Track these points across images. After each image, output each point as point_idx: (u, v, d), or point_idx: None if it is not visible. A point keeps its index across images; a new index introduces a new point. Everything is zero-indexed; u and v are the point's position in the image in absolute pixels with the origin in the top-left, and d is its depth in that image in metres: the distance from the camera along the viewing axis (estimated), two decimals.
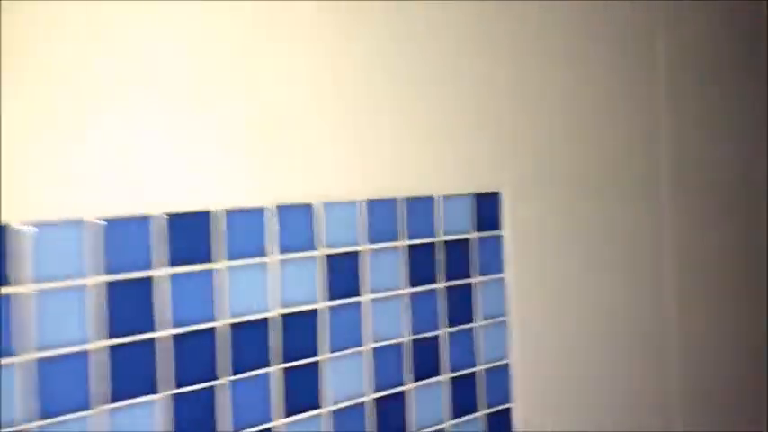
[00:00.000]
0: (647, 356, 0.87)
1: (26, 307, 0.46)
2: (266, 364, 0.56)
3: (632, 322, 0.86)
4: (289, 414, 0.57)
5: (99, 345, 0.49)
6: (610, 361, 0.84)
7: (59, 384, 0.47)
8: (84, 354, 0.48)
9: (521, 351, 0.74)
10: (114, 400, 0.49)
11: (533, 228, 0.76)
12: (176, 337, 0.52)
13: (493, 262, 0.72)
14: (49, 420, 0.46)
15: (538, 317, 0.76)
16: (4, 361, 0.45)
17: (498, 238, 0.73)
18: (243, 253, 0.55)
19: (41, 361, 0.46)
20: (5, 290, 0.45)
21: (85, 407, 0.48)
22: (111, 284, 0.49)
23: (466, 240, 0.70)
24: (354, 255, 0.62)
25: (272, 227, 0.57)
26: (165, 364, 0.51)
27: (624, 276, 0.85)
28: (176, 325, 0.52)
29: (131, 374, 0.50)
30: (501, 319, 0.72)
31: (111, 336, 0.49)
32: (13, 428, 0.45)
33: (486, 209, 0.72)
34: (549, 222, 0.78)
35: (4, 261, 0.45)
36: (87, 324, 0.48)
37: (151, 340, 0.51)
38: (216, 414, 0.54)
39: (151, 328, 0.51)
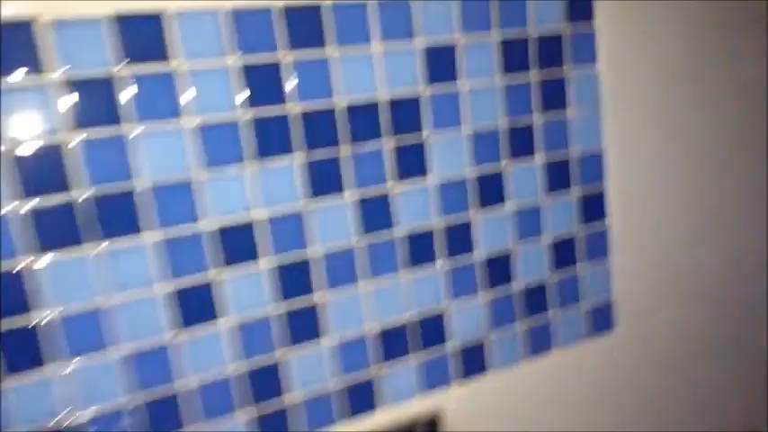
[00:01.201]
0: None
1: (183, 82, 0.57)
2: (378, 137, 0.65)
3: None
4: (400, 182, 0.66)
5: (245, 116, 0.59)
6: (702, 154, 0.85)
7: (218, 143, 0.58)
8: (234, 121, 0.59)
9: (614, 139, 0.78)
10: (261, 156, 0.60)
11: (627, 20, 0.77)
12: (305, 115, 0.62)
13: (586, 53, 0.74)
14: (213, 168, 0.59)
15: (632, 107, 0.79)
16: (173, 125, 0.56)
17: (592, 29, 0.74)
18: (352, 41, 0.62)
19: (203, 126, 0.58)
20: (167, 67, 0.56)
21: (240, 161, 0.59)
22: (247, 67, 0.59)
23: (559, 33, 0.72)
24: (451, 46, 0.67)
25: (373, 19, 0.63)
26: (297, 135, 0.62)
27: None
28: (302, 100, 0.61)
29: (273, 141, 0.60)
30: (594, 108, 0.76)
31: (252, 105, 0.59)
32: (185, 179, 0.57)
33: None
34: (642, 14, 0.78)
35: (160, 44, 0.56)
36: (234, 98, 0.59)
37: (285, 116, 0.61)
38: (342, 176, 0.64)
39: (283, 101, 0.60)
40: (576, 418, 0.81)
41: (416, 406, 0.71)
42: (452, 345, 0.72)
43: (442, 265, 0.70)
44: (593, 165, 0.77)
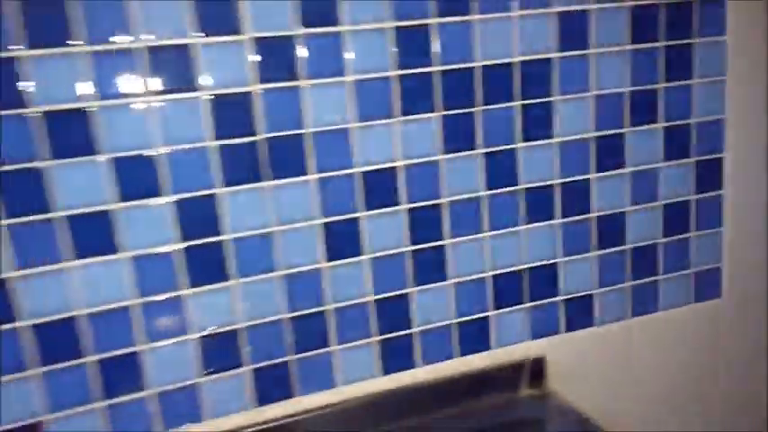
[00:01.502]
0: None
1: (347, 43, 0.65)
2: (510, 98, 0.71)
3: None
4: (526, 140, 0.72)
5: (395, 74, 0.67)
6: None
7: (370, 98, 0.66)
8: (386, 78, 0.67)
9: (735, 110, 0.80)
10: (405, 114, 0.68)
11: None
12: (445, 74, 0.68)
13: (714, 23, 0.77)
14: (365, 120, 0.67)
15: (755, 78, 0.81)
16: (337, 81, 0.65)
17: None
18: (491, 9, 0.69)
19: (359, 82, 0.66)
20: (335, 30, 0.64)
21: (388, 116, 0.67)
22: (399, 29, 0.66)
23: (689, 0, 0.75)
24: (584, 12, 0.72)
25: None
26: (437, 94, 0.68)
27: None
28: (444, 64, 0.68)
29: (416, 98, 0.68)
30: (718, 78, 0.79)
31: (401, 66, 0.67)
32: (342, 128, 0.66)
33: None
34: None
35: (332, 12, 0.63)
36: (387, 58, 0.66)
37: (429, 73, 0.68)
38: (474, 133, 0.70)
39: (430, 64, 0.67)
40: (672, 382, 0.85)
41: (525, 349, 0.77)
42: (562, 297, 0.77)
43: (558, 221, 0.75)
44: (713, 134, 0.79)
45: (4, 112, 0.55)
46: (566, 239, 0.76)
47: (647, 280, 0.80)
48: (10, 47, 0.54)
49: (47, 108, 0.56)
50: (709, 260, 0.82)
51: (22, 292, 0.58)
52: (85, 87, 0.57)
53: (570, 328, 0.78)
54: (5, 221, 0.56)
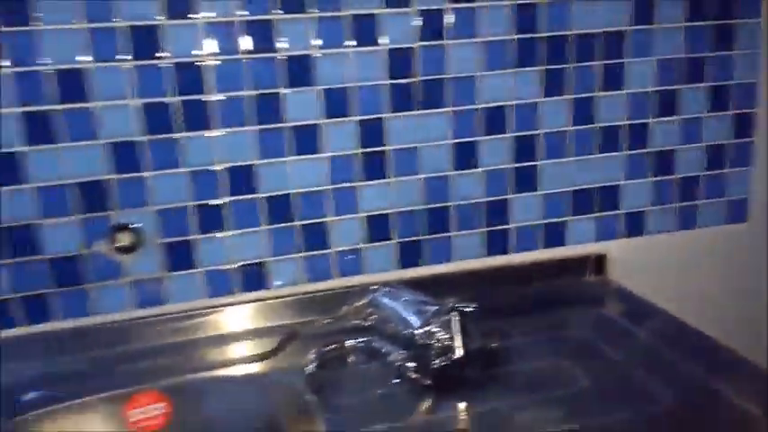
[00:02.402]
0: None
1: None
2: (591, 59, 0.97)
3: None
4: (605, 89, 0.99)
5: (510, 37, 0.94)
6: None
7: None
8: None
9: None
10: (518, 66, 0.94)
11: None
12: (548, 38, 0.94)
13: (752, 10, 1.00)
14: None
15: None
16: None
17: None
18: None
19: None
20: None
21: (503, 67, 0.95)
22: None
23: None
24: None
25: None
26: (542, 52, 0.95)
27: None
28: (549, 31, 0.94)
29: (527, 55, 0.94)
30: (754, 51, 1.02)
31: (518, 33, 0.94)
32: None
33: None
34: None
35: None
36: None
37: (536, 38, 0.94)
38: (564, 81, 0.97)
39: (536, 30, 0.94)
40: (703, 288, 1.10)
41: (591, 248, 1.04)
42: (622, 211, 1.04)
43: (624, 152, 1.02)
44: (748, 93, 1.04)
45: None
46: (628, 167, 1.02)
47: (689, 203, 1.06)
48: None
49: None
50: (739, 192, 1.07)
51: (263, 176, 0.89)
52: (315, 42, 0.86)
53: (627, 234, 1.05)
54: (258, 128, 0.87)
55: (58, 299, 0.86)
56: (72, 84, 0.80)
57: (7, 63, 0.78)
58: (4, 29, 0.77)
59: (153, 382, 0.81)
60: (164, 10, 0.81)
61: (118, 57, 0.81)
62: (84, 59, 0.80)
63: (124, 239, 0.86)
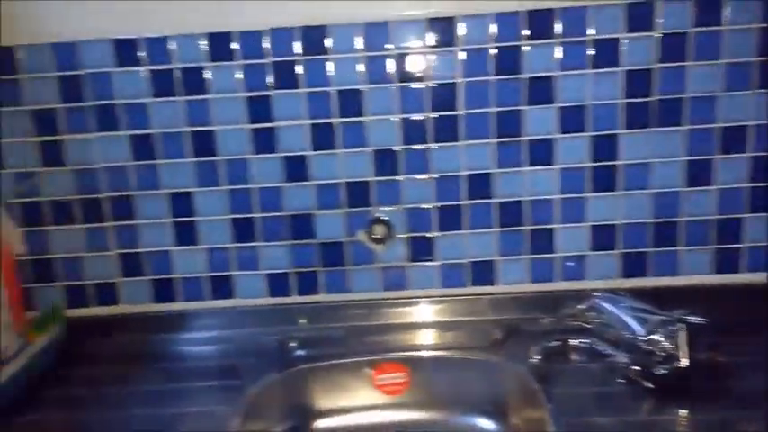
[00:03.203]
0: None
1: None
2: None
3: None
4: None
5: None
6: None
7: None
8: None
9: None
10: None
11: None
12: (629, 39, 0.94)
13: None
14: None
15: None
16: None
17: None
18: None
19: None
20: None
21: None
22: None
23: None
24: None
25: None
26: (623, 55, 0.95)
27: None
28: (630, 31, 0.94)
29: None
30: None
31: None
32: None
33: None
34: None
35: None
36: None
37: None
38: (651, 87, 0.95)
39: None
40: None
41: None
42: None
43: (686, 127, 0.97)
44: None
45: None
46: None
47: None
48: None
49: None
50: None
51: (499, 183, 0.99)
52: (556, 62, 0.95)
53: None
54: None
55: (325, 276, 1.05)
56: (350, 101, 0.98)
57: (304, 87, 0.98)
58: (306, 57, 0.96)
59: (396, 353, 0.96)
60: (425, 40, 0.95)
61: (386, 80, 0.97)
62: (361, 82, 0.97)
63: (378, 231, 1.02)
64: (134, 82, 0.98)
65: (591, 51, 0.94)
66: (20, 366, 0.90)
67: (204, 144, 1.00)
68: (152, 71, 0.97)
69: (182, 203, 1.02)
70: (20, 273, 1.00)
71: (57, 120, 0.99)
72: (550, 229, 1.01)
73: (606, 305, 0.93)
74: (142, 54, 0.96)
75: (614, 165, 0.98)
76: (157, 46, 0.96)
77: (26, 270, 1.04)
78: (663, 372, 0.81)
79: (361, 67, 0.96)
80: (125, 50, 0.97)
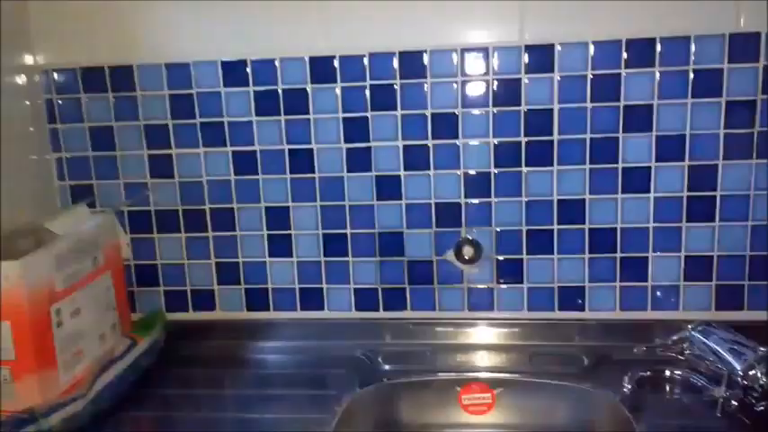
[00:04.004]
0: None
1: None
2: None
3: None
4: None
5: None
6: None
7: None
8: None
9: None
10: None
11: None
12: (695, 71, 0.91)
13: None
14: None
15: None
16: None
17: None
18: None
19: None
20: None
21: None
22: None
23: None
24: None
25: None
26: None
27: None
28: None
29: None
30: None
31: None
32: None
33: None
34: None
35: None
36: None
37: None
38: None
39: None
40: None
41: None
42: None
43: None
44: None
45: None
46: None
47: None
48: None
49: None
50: None
51: (593, 209, 1.00)
52: None
53: None
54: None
55: (412, 293, 1.07)
56: (444, 124, 1.00)
57: (400, 109, 1.01)
58: (403, 80, 1.00)
59: (483, 373, 0.97)
60: (521, 66, 0.97)
61: (481, 104, 0.99)
62: (457, 105, 0.99)
63: (468, 252, 1.03)
64: (240, 101, 1.03)
65: (691, 80, 0.94)
66: (127, 365, 0.95)
67: (302, 161, 1.04)
68: (257, 91, 1.03)
69: (278, 217, 1.07)
70: (126, 277, 1.06)
71: (167, 134, 1.06)
72: (644, 258, 1.00)
73: (701, 337, 0.91)
74: (248, 75, 1.02)
75: (712, 195, 0.97)
76: (263, 68, 1.02)
77: (131, 274, 1.10)
78: (761, 408, 0.80)
79: (456, 91, 0.99)
80: (233, 71, 1.02)
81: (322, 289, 1.08)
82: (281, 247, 1.08)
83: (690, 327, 0.92)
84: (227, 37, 1.02)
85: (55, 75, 1.05)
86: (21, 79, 1.04)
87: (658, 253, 1.00)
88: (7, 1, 0.99)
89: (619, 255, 1.00)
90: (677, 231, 0.98)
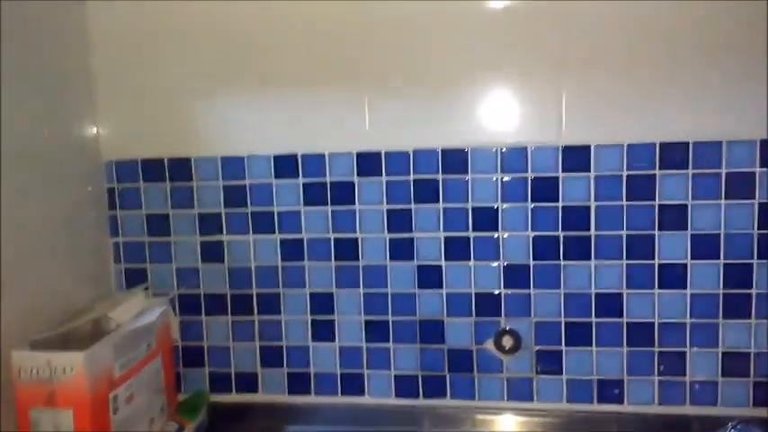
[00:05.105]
0: None
1: None
2: None
3: None
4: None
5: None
6: None
7: None
8: None
9: None
10: None
11: None
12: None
13: None
14: None
15: None
16: None
17: None
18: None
19: None
20: None
21: None
22: None
23: None
24: None
25: None
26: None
27: None
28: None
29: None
30: None
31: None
32: None
33: None
34: None
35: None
36: None
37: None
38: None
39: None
40: None
41: None
42: None
43: None
44: None
45: None
46: None
47: None
48: None
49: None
50: None
51: (630, 304, 1.02)
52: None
53: None
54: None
55: (451, 381, 1.09)
56: (485, 217, 1.05)
57: (442, 202, 1.06)
58: (446, 175, 1.05)
59: None
60: (559, 165, 1.02)
61: (522, 200, 1.04)
62: (497, 201, 1.04)
63: (507, 342, 1.06)
64: (289, 192, 1.09)
65: (723, 182, 0.98)
66: None
67: (347, 250, 1.09)
68: (305, 184, 1.09)
69: (322, 302, 1.11)
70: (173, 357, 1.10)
71: (220, 222, 1.11)
72: (681, 353, 1.02)
73: None
74: (298, 167, 1.08)
75: (748, 293, 0.99)
76: (312, 161, 1.08)
77: (179, 355, 1.14)
78: None
79: (496, 186, 1.04)
80: (283, 165, 1.09)
81: (363, 374, 1.11)
82: (324, 331, 1.11)
83: (730, 425, 0.93)
84: (280, 132, 1.08)
85: (118, 166, 1.13)
86: (86, 168, 1.11)
87: (695, 348, 1.01)
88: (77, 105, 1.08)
89: (657, 348, 1.02)
90: (714, 327, 1.00)
